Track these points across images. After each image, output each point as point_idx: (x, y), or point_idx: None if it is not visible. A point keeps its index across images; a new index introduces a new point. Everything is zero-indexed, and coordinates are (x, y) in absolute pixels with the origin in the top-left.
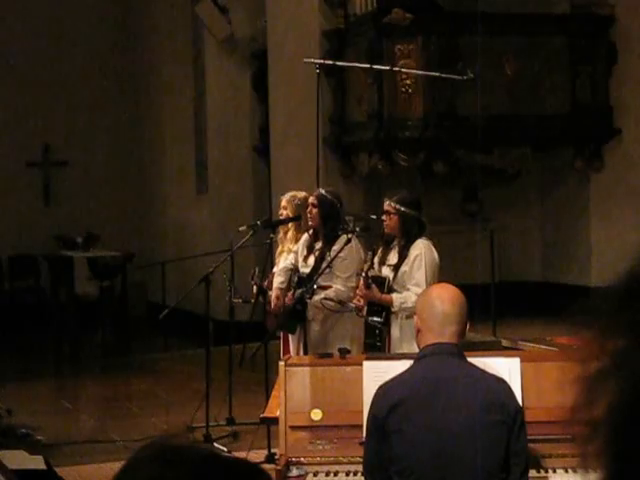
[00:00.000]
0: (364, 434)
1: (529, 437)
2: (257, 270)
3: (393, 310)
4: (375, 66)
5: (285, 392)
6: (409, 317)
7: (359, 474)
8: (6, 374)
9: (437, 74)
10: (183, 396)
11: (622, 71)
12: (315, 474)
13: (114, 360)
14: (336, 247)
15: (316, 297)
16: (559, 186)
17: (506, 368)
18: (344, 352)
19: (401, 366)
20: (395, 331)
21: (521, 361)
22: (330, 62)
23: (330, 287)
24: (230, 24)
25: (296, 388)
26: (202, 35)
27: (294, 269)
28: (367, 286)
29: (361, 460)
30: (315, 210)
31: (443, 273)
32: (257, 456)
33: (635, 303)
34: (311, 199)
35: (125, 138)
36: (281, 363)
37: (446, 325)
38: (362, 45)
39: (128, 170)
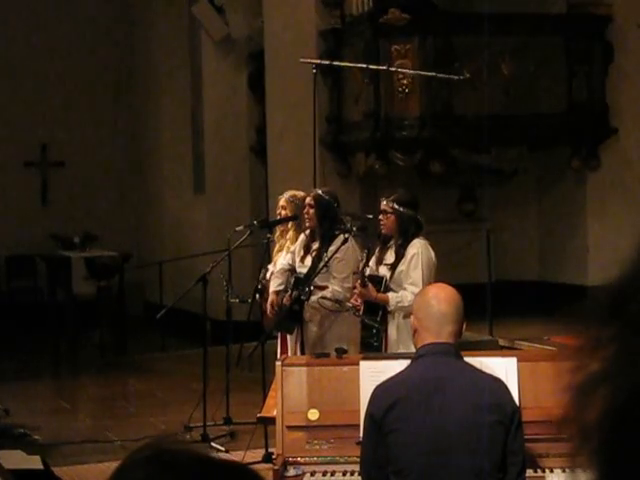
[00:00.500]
0: (361, 434)
1: (526, 437)
2: (263, 273)
3: (389, 309)
4: (372, 66)
5: (282, 392)
6: (406, 317)
7: (356, 474)
8: (4, 374)
9: (433, 74)
10: (181, 396)
11: (618, 71)
12: (312, 474)
13: (112, 360)
14: (333, 247)
15: (313, 298)
16: (556, 185)
17: (503, 368)
18: (341, 352)
19: (398, 366)
20: (392, 331)
21: (518, 361)
22: (327, 62)
23: (327, 287)
24: (227, 24)
25: (293, 388)
26: (199, 36)
27: (291, 270)
28: (363, 284)
29: (358, 460)
30: (312, 210)
31: (440, 273)
32: (254, 456)
33: (627, 308)
34: (308, 199)
35: (122, 139)
36: (278, 363)
37: (443, 325)
38: (359, 45)
39: (125, 170)
